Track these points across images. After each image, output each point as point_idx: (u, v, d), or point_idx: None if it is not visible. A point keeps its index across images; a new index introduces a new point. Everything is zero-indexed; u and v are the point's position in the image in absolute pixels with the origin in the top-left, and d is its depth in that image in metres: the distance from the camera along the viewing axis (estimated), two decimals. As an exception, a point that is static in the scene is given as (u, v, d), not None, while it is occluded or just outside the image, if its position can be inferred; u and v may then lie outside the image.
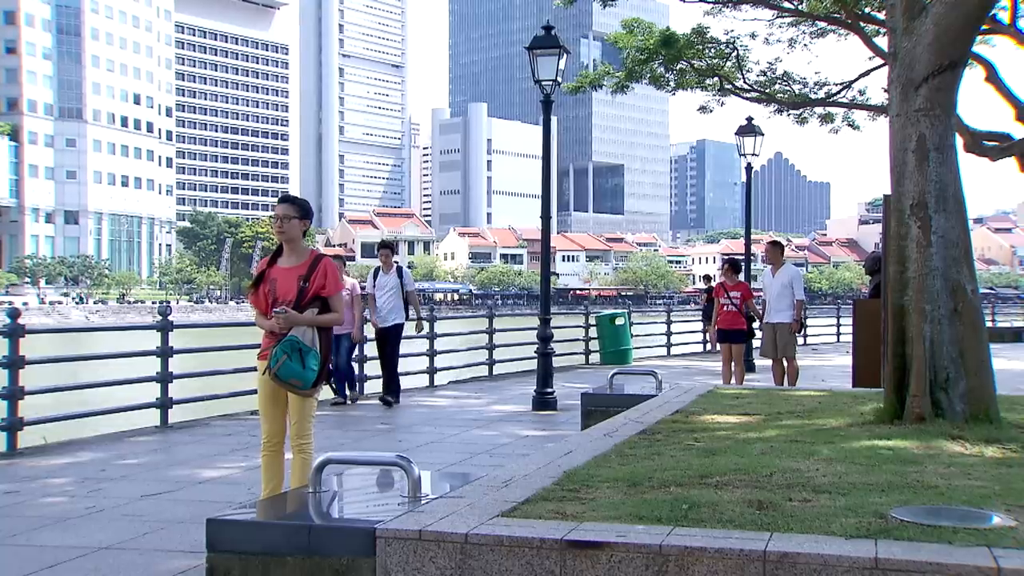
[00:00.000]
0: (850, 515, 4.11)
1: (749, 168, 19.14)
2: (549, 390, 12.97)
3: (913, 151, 6.60)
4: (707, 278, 25.90)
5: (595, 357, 21.34)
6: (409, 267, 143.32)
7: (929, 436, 6.11)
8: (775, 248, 13.51)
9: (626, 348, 21.08)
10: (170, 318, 11.18)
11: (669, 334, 24.37)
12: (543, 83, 12.83)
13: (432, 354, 16.13)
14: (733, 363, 13.98)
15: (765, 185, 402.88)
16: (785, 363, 13.17)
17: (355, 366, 13.90)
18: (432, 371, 16.15)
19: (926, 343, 6.56)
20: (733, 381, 13.80)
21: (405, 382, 16.07)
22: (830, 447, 5.90)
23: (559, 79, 13.01)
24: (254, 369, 12.60)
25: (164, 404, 10.97)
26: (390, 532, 4.06)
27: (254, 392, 12.56)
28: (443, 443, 9.98)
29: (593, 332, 21.41)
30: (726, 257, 14.56)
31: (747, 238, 20.15)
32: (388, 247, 13.14)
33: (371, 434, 10.63)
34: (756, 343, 15.12)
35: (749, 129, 19.04)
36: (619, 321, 21.15)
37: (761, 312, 13.39)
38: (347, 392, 13.35)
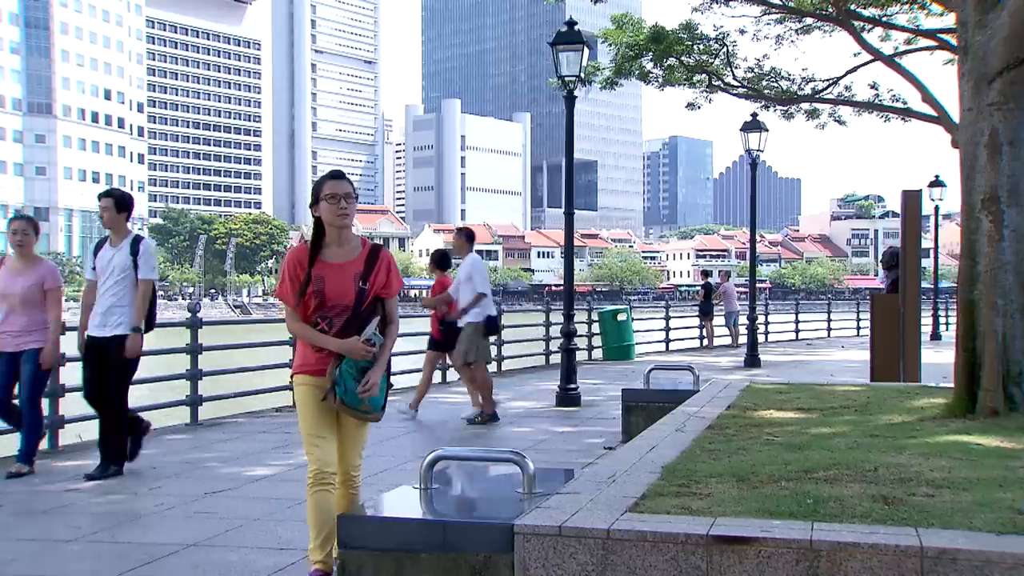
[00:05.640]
0: (985, 511, 4.11)
1: (754, 164, 19.16)
2: (572, 386, 12.95)
3: (985, 145, 6.63)
4: (705, 273, 25.99)
5: (597, 352, 21.35)
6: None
7: (1009, 431, 6.15)
8: (460, 236, 11.30)
9: (629, 344, 21.12)
10: (199, 315, 11.07)
11: (668, 330, 24.42)
12: (567, 79, 12.81)
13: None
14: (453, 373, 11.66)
15: (736, 181, 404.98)
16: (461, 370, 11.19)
17: (44, 405, 8.58)
18: (444, 367, 16.07)
19: (998, 337, 6.59)
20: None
21: (413, 380, 16.01)
22: (915, 442, 5.92)
23: (582, 75, 13.00)
24: (279, 366, 12.63)
25: (195, 401, 10.86)
26: (529, 528, 4.03)
27: (279, 389, 12.59)
28: (481, 439, 9.93)
29: (595, 328, 21.43)
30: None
31: (752, 233, 20.16)
32: (112, 197, 7.82)
33: (402, 432, 10.55)
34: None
35: (754, 125, 19.07)
36: (621, 317, 21.19)
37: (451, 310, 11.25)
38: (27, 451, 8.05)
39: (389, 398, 4.79)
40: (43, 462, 8.41)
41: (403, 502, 4.56)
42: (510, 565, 4.05)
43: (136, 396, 14.87)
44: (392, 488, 5.01)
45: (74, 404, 9.51)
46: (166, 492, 7.10)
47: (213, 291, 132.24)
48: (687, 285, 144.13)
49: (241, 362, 14.45)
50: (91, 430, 10.13)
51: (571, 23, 12.98)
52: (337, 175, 4.75)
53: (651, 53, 22.18)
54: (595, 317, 21.59)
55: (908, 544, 3.66)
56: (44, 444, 9.07)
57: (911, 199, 12.59)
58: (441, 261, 11.66)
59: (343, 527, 4.22)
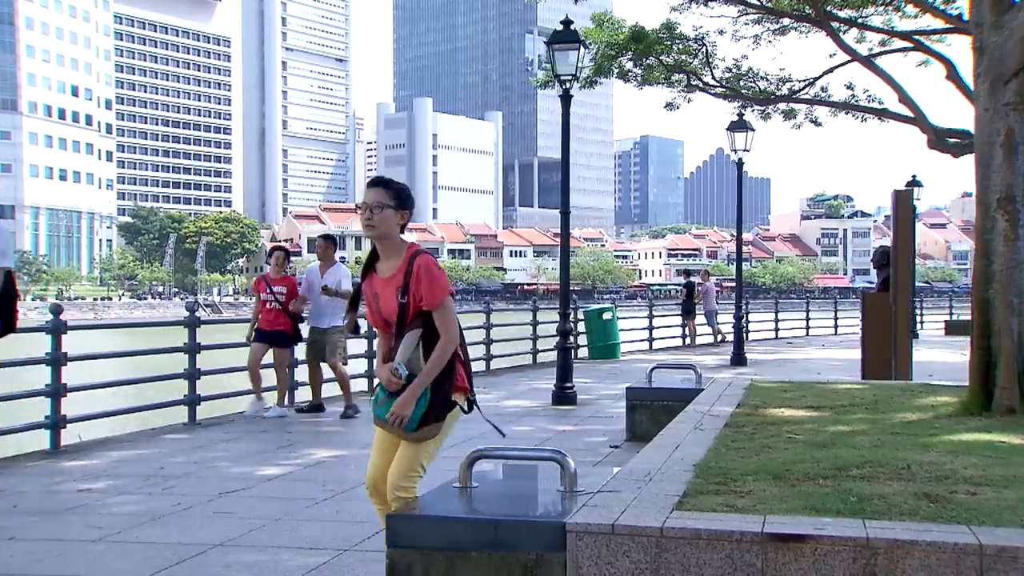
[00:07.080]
0: (1033, 508, 4.13)
1: (740, 164, 19.25)
2: (569, 384, 12.94)
3: (1001, 145, 6.68)
4: (687, 273, 26.04)
5: (582, 352, 21.36)
6: (357, 263, 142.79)
7: (1028, 428, 6.20)
8: (327, 243, 11.68)
9: (614, 343, 21.15)
10: (197, 315, 10.99)
11: (651, 328, 24.48)
12: (562, 78, 12.82)
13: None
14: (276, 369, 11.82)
15: (707, 181, 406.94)
16: (332, 369, 11.46)
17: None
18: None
19: (1013, 336, 6.64)
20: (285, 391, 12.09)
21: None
22: (939, 440, 5.95)
23: (577, 74, 13.00)
24: (269, 365, 12.52)
25: (193, 401, 10.78)
26: (581, 527, 4.02)
27: (270, 389, 12.48)
28: (484, 439, 9.88)
29: (580, 327, 21.46)
30: (273, 247, 12.35)
31: (738, 234, 20.26)
32: None
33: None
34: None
35: (740, 125, 19.15)
36: (607, 316, 21.23)
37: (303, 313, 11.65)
38: None
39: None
40: (48, 463, 8.33)
41: (447, 501, 4.53)
42: (562, 563, 4.03)
43: (129, 396, 14.81)
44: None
45: (74, 404, 9.43)
46: (180, 492, 7.03)
47: (178, 289, 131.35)
48: (659, 284, 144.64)
49: (228, 362, 14.31)
50: (92, 431, 10.07)
51: (567, 22, 12.98)
52: (372, 182, 4.39)
53: (631, 52, 22.24)
54: (581, 316, 21.61)
55: (967, 542, 3.66)
56: (46, 444, 8.98)
57: (902, 199, 12.69)
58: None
59: (392, 526, 4.20)
